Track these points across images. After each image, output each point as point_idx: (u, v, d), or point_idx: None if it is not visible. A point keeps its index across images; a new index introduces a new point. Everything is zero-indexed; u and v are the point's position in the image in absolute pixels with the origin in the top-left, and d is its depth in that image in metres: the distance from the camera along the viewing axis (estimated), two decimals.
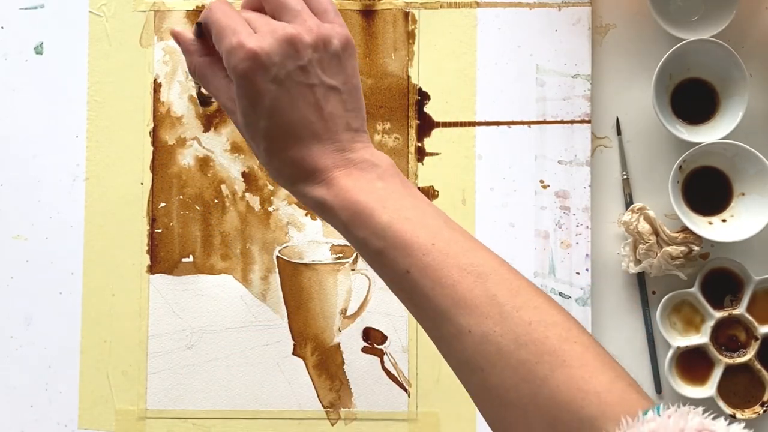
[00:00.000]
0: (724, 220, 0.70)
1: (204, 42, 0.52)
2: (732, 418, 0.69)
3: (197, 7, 0.73)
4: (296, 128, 0.48)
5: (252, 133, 0.49)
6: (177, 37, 0.53)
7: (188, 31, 0.52)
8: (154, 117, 0.72)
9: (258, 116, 0.48)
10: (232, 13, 0.49)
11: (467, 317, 0.45)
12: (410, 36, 0.72)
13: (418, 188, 0.71)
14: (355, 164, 0.49)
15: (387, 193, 0.49)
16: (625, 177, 0.71)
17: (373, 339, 0.71)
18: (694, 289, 0.70)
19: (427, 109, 0.72)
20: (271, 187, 0.72)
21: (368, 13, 0.72)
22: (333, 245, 0.71)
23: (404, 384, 0.71)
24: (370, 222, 0.47)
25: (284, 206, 0.72)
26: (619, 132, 0.72)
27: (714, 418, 0.41)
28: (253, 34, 0.48)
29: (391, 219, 0.47)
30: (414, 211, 0.48)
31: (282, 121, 0.48)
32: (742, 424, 0.40)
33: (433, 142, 0.72)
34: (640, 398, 0.45)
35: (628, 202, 0.71)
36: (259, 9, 0.51)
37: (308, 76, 0.48)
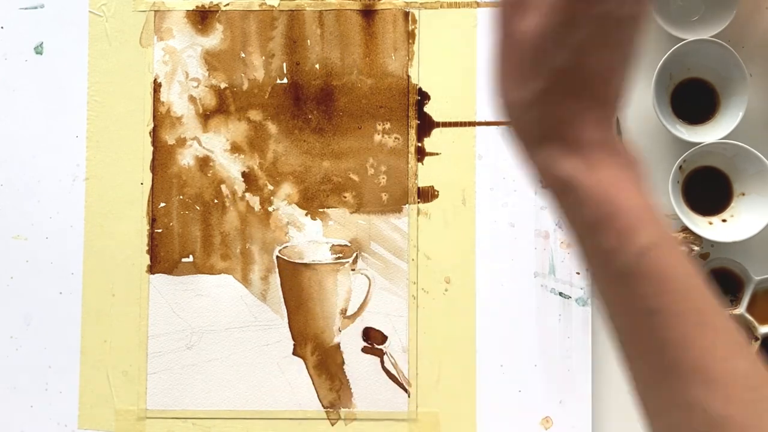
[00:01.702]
0: (724, 220, 0.70)
1: None
2: None
3: (197, 7, 0.73)
4: (592, 80, 0.38)
5: (536, 62, 0.38)
6: None
7: None
8: (154, 117, 0.72)
9: (561, 46, 0.37)
10: None
11: (712, 393, 0.36)
12: (410, 36, 0.72)
13: (418, 188, 0.71)
14: (619, 154, 0.39)
15: (653, 203, 0.39)
16: None
17: (373, 339, 0.71)
18: None
19: (427, 109, 0.72)
20: (271, 187, 0.72)
21: (368, 13, 0.72)
22: (333, 245, 0.72)
23: (404, 384, 0.71)
24: (627, 236, 0.37)
25: (284, 206, 0.72)
26: (619, 132, 0.72)
27: None
28: None
29: (656, 242, 0.37)
30: (670, 243, 0.38)
31: (585, 63, 0.38)
32: None
33: (433, 142, 0.72)
34: None
35: None
36: None
37: (621, 28, 0.38)
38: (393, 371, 0.71)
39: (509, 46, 0.39)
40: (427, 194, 0.71)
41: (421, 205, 0.71)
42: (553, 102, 0.39)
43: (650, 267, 0.37)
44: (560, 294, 0.71)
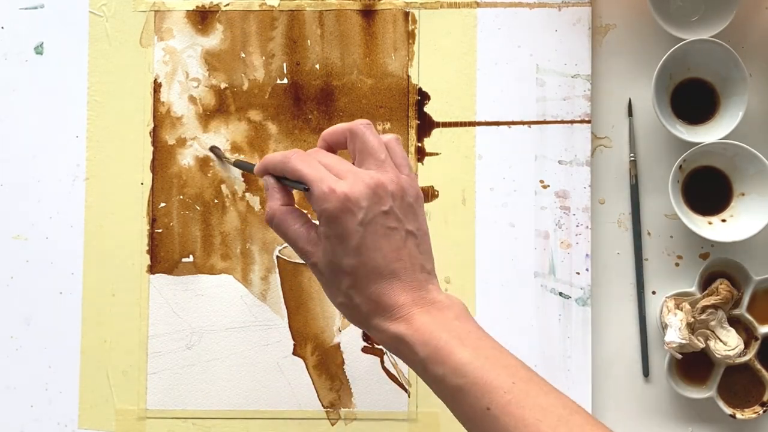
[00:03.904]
0: (723, 220, 0.70)
1: (283, 190, 0.57)
2: (732, 418, 0.69)
3: (197, 7, 0.73)
4: (379, 266, 0.52)
5: (335, 271, 0.53)
6: (267, 183, 0.57)
7: (270, 178, 0.57)
8: (154, 117, 0.72)
9: (344, 254, 0.52)
10: (313, 161, 0.54)
11: None
12: (410, 36, 0.72)
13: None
14: (432, 303, 0.52)
15: (465, 332, 0.51)
16: (632, 159, 0.71)
17: (373, 339, 0.71)
18: (694, 289, 0.70)
19: (427, 109, 0.72)
20: None
21: (368, 13, 0.72)
22: None
23: (404, 384, 0.71)
24: (449, 359, 0.49)
25: None
26: (630, 113, 0.72)
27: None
28: (340, 180, 0.52)
29: (471, 357, 0.49)
30: (492, 351, 0.51)
31: (367, 259, 0.52)
32: None
33: (433, 142, 0.72)
34: None
35: (634, 184, 0.71)
36: (332, 151, 0.57)
37: (390, 220, 0.52)
38: (393, 371, 0.71)
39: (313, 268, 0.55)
40: (427, 194, 0.71)
41: None
42: (362, 293, 0.52)
43: (474, 376, 0.49)
44: (560, 294, 0.71)
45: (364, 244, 0.52)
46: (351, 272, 0.52)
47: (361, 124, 0.55)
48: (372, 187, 0.52)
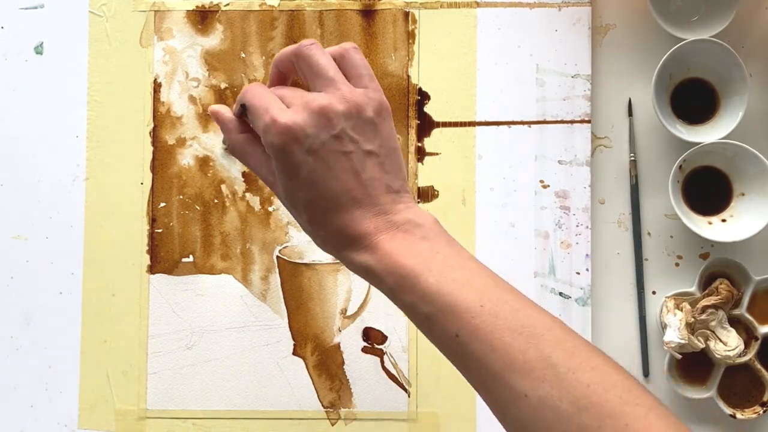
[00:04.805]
0: (724, 220, 0.70)
1: (242, 120, 0.53)
2: (732, 418, 0.69)
3: (197, 7, 0.73)
4: (336, 196, 0.49)
5: (293, 204, 0.50)
6: (216, 116, 0.54)
7: (227, 110, 0.54)
8: (154, 117, 0.72)
9: (297, 188, 0.49)
10: (265, 92, 0.50)
11: (522, 381, 0.44)
12: (410, 36, 0.72)
13: (418, 188, 0.71)
14: (398, 226, 0.49)
15: (432, 254, 0.48)
16: (632, 159, 0.71)
17: (373, 339, 0.71)
18: (694, 289, 0.70)
19: (427, 109, 0.72)
20: None
21: (368, 13, 0.72)
22: None
23: (404, 384, 0.71)
24: (416, 286, 0.47)
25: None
26: (630, 113, 0.72)
27: None
28: (285, 109, 0.48)
29: (438, 282, 0.47)
30: (461, 271, 0.47)
31: (321, 190, 0.48)
32: None
33: (433, 142, 0.72)
34: None
35: (634, 184, 0.71)
36: (292, 83, 0.53)
37: (343, 144, 0.48)
38: (393, 371, 0.71)
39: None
40: (427, 194, 0.71)
41: (421, 205, 0.71)
42: (324, 226, 0.49)
43: (442, 303, 0.46)
44: (560, 294, 0.71)
45: (316, 175, 0.48)
46: (307, 206, 0.49)
47: (305, 45, 0.50)
48: (317, 111, 0.47)
